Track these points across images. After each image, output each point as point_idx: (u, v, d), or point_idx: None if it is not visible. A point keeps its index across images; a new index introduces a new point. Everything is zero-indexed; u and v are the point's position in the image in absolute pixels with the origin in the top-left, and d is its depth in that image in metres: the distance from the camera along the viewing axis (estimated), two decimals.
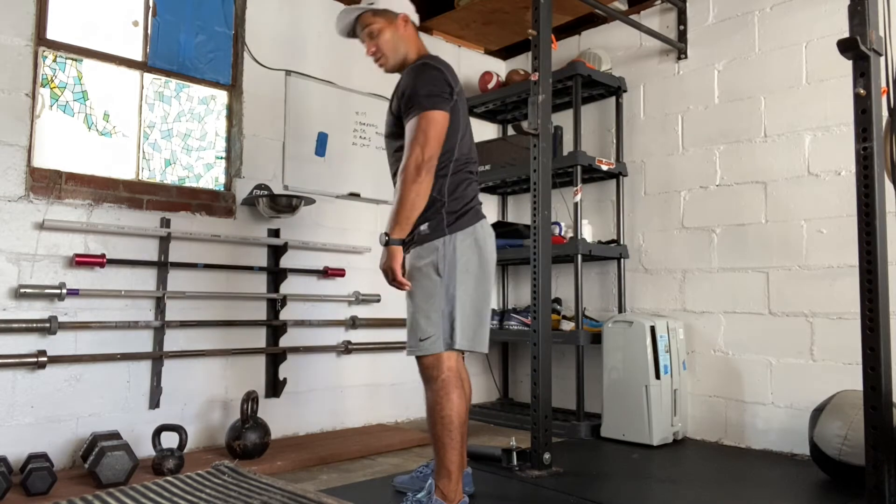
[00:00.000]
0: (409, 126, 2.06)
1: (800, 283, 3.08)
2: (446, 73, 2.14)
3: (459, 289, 2.08)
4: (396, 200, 2.04)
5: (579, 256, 3.50)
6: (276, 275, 3.27)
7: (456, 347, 2.08)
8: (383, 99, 3.82)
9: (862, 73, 2.09)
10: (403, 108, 2.10)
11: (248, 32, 3.32)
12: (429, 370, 2.09)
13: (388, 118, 2.26)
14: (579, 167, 3.53)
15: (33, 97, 2.69)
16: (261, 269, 3.24)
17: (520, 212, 4.40)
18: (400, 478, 2.49)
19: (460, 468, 2.09)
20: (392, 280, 2.07)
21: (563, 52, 3.99)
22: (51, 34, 2.77)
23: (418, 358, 2.11)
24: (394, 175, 2.25)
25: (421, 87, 2.07)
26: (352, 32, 2.31)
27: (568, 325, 3.62)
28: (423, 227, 2.11)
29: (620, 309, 3.70)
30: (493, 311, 4.08)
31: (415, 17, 2.32)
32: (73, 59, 2.84)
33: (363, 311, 3.62)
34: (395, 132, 2.20)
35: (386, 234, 2.05)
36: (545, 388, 2.70)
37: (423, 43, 2.31)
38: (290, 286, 3.31)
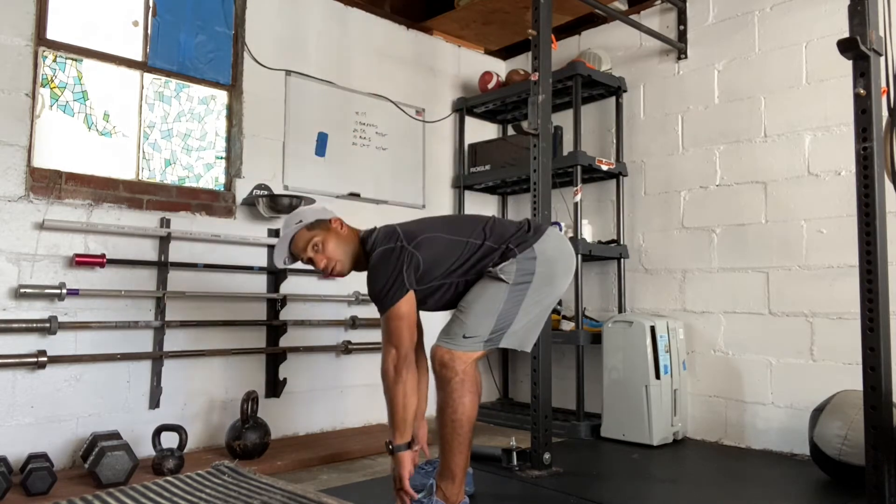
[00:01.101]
0: (382, 325, 2.11)
1: (800, 283, 3.08)
2: (394, 243, 2.09)
3: (530, 297, 2.07)
4: (388, 407, 2.08)
5: (579, 256, 3.50)
6: (276, 275, 3.27)
7: (501, 345, 2.08)
8: (383, 99, 3.82)
9: (862, 73, 2.10)
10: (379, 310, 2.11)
11: (248, 32, 3.32)
12: (444, 370, 2.05)
13: None
14: (579, 167, 3.53)
15: (33, 97, 2.69)
16: (261, 269, 3.24)
17: (520, 212, 4.39)
18: None
19: (464, 471, 2.09)
20: (399, 489, 2.06)
21: (563, 52, 3.98)
22: (51, 34, 2.77)
23: (434, 351, 2.08)
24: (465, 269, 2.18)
25: (376, 287, 2.07)
26: (293, 258, 2.26)
27: (568, 325, 3.62)
28: (500, 264, 2.08)
29: (620, 309, 3.70)
30: None
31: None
32: (73, 59, 2.84)
33: (363, 311, 3.62)
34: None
35: (389, 442, 2.08)
36: (545, 388, 2.70)
37: (356, 229, 2.28)
38: (290, 286, 3.31)
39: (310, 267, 3.37)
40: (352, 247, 2.24)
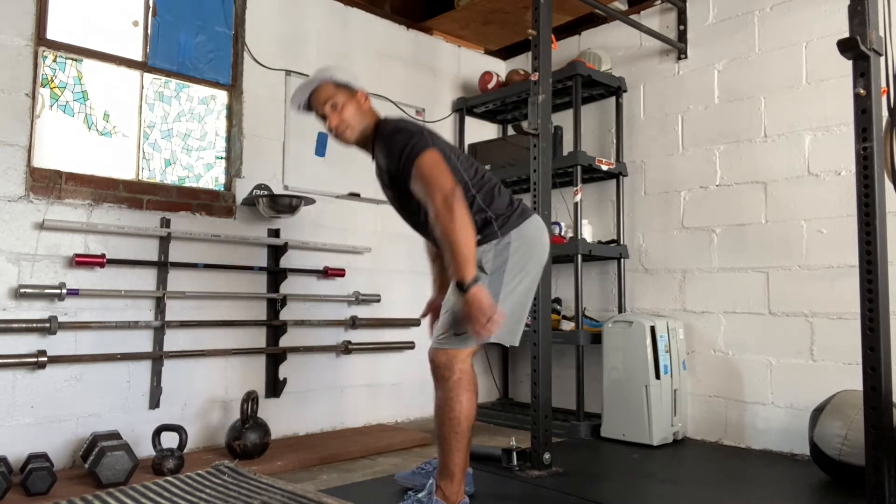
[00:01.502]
0: (415, 181, 2.04)
1: (800, 283, 3.08)
2: (410, 123, 2.15)
3: (507, 286, 2.08)
4: (450, 248, 1.96)
5: (579, 256, 3.50)
6: (276, 275, 3.27)
7: (491, 339, 2.06)
8: (383, 99, 3.82)
9: (862, 73, 2.10)
10: (399, 175, 2.09)
11: (248, 32, 3.32)
12: (441, 370, 2.05)
13: (389, 191, 2.28)
14: (579, 167, 3.53)
15: (33, 97, 2.69)
16: (261, 269, 3.24)
17: None
18: (401, 473, 2.50)
19: (463, 470, 2.08)
20: (488, 319, 1.93)
21: (563, 52, 3.98)
22: (51, 34, 2.77)
23: (432, 355, 2.08)
24: (419, 224, 2.23)
25: (401, 146, 2.06)
26: (308, 108, 2.26)
27: (568, 325, 3.62)
28: (478, 237, 2.09)
29: (620, 309, 3.70)
30: None
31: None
32: (73, 59, 2.84)
33: (363, 311, 3.62)
34: (402, 196, 2.19)
35: (459, 282, 1.95)
36: (545, 388, 2.70)
37: (377, 112, 2.30)
38: (290, 286, 3.31)
39: (309, 267, 3.40)
40: (367, 122, 2.22)
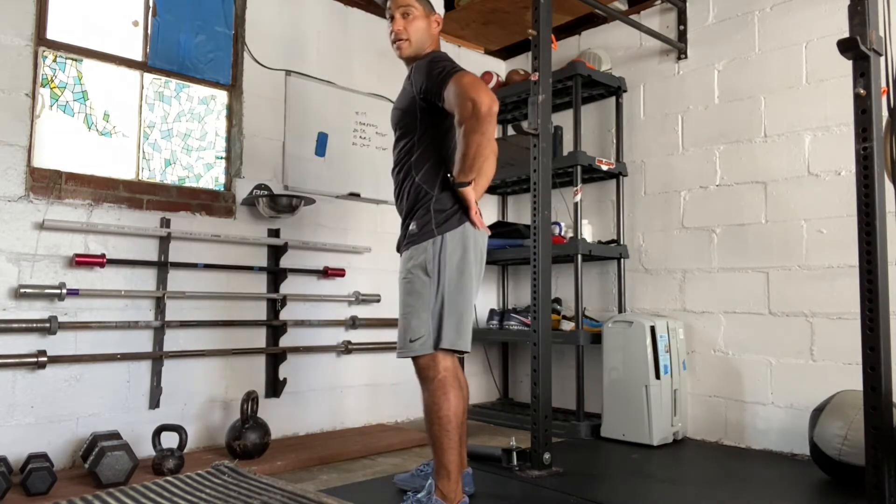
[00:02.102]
0: (450, 91, 2.02)
1: (800, 283, 3.08)
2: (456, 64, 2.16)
3: (448, 289, 2.08)
4: (469, 148, 1.99)
5: (579, 256, 3.50)
6: (276, 275, 3.27)
7: (442, 346, 2.07)
8: (383, 99, 3.82)
9: (862, 73, 2.09)
10: (431, 86, 2.07)
11: (248, 32, 3.32)
12: (425, 371, 2.08)
13: (397, 110, 2.25)
14: (579, 167, 3.53)
15: (33, 97, 2.69)
16: (261, 269, 3.24)
17: (520, 212, 4.40)
18: (400, 475, 2.50)
19: (459, 468, 2.09)
20: (476, 213, 2.11)
21: (563, 52, 3.99)
22: (51, 34, 2.77)
23: (414, 359, 2.11)
24: (395, 171, 2.26)
25: (441, 65, 2.07)
26: (385, 1, 2.27)
27: (568, 325, 3.62)
28: (413, 226, 2.13)
29: (620, 309, 3.70)
30: (493, 310, 4.09)
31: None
32: (73, 59, 2.84)
33: (363, 311, 3.62)
34: (402, 122, 2.21)
35: (453, 179, 2.08)
36: (545, 388, 2.70)
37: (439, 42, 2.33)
38: (290, 286, 3.31)
39: (309, 267, 3.40)
40: (427, 43, 2.24)
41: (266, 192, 3.20)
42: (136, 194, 2.90)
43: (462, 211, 2.14)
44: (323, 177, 3.55)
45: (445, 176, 2.15)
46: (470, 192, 2.07)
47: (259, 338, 3.24)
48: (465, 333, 2.12)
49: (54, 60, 2.79)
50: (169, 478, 2.43)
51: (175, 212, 3.00)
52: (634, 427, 3.21)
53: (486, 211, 4.33)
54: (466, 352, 2.16)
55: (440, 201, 2.12)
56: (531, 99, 2.75)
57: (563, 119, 3.92)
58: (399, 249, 2.19)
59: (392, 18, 2.22)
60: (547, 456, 2.68)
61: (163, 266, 2.91)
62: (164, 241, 2.92)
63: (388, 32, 2.24)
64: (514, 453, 2.74)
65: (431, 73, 2.08)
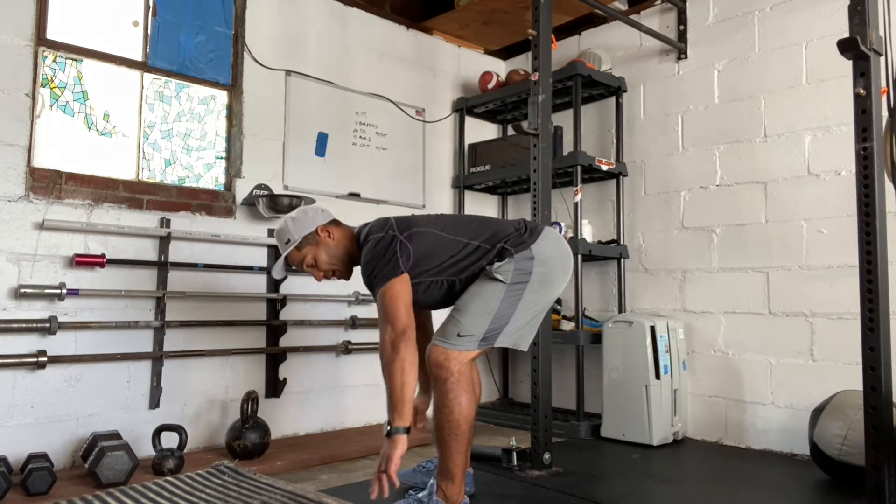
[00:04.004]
0: (377, 307, 2.04)
1: (800, 283, 3.07)
2: (386, 233, 2.08)
3: (527, 297, 2.06)
4: (387, 386, 1.97)
5: (579, 256, 3.50)
6: None
7: (497, 344, 2.06)
8: (383, 99, 3.82)
9: (862, 73, 2.09)
10: (373, 293, 2.09)
11: (248, 32, 3.32)
12: (439, 371, 2.03)
13: None
14: (579, 167, 3.53)
15: (33, 97, 2.69)
16: (261, 269, 3.24)
17: (520, 212, 4.39)
18: (402, 471, 2.49)
19: (464, 471, 2.09)
20: (382, 470, 1.91)
21: (563, 52, 3.98)
22: (51, 34, 2.77)
23: (430, 351, 2.06)
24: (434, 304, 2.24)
25: (368, 269, 2.06)
26: (290, 269, 2.30)
27: (568, 325, 3.62)
28: (496, 262, 2.07)
29: (620, 309, 3.70)
30: None
31: (326, 217, 2.24)
32: (73, 59, 2.84)
33: (363, 311, 3.62)
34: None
35: (388, 422, 1.96)
36: (545, 388, 2.70)
37: (347, 226, 2.28)
38: (290, 286, 3.31)
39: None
40: (344, 250, 2.22)
41: (266, 192, 3.20)
42: (136, 194, 2.90)
43: (524, 235, 2.11)
44: (323, 177, 3.55)
45: (483, 241, 2.11)
46: (401, 442, 1.92)
47: (259, 338, 3.24)
48: (528, 336, 2.14)
49: (54, 60, 2.79)
50: (169, 478, 2.43)
51: (175, 212, 3.00)
52: (634, 427, 3.21)
53: (487, 211, 4.33)
54: (524, 350, 2.18)
55: (499, 240, 2.09)
56: (531, 99, 2.75)
57: (563, 119, 3.92)
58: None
59: (312, 274, 2.25)
60: (547, 456, 2.68)
61: (163, 266, 2.91)
62: (164, 241, 2.92)
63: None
64: (514, 453, 2.74)
65: (365, 278, 2.08)
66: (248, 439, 2.74)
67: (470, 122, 4.28)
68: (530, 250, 2.08)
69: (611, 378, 3.33)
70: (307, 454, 2.86)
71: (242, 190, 3.23)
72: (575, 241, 3.50)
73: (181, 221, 3.01)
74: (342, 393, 3.53)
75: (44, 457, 2.41)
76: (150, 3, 3.05)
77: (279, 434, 3.17)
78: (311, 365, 3.41)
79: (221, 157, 3.28)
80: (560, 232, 3.68)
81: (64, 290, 2.61)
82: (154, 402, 2.86)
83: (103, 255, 2.73)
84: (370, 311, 3.66)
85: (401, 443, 1.92)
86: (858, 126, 2.11)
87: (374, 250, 2.06)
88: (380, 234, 2.09)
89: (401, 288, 2.01)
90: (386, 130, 3.83)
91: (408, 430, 1.95)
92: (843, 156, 2.96)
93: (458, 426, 2.02)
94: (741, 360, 3.26)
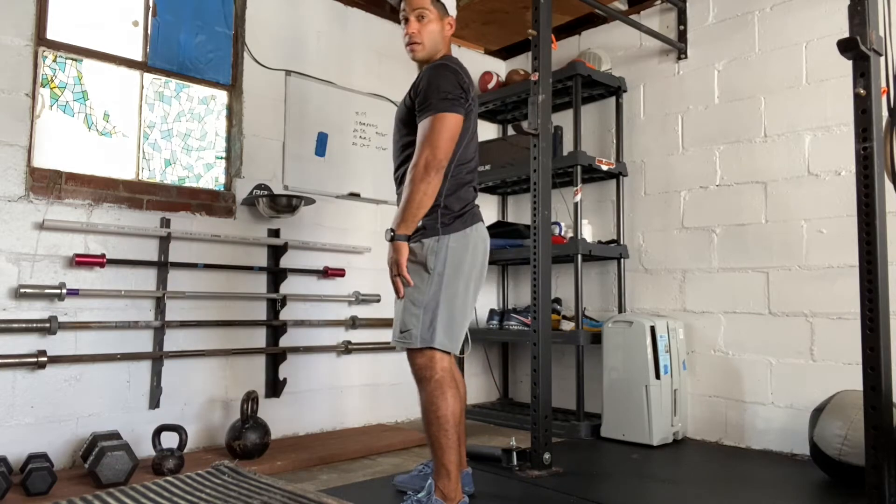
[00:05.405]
0: (423, 126, 2.07)
1: (800, 283, 3.08)
2: (464, 77, 2.17)
3: (446, 289, 2.10)
4: (404, 197, 2.04)
5: (579, 256, 3.50)
6: (276, 275, 3.27)
7: (434, 346, 2.07)
8: (383, 99, 3.82)
9: (862, 73, 2.09)
10: (418, 105, 2.12)
11: (248, 32, 3.32)
12: (422, 370, 2.09)
13: (401, 108, 2.26)
14: (579, 167, 3.53)
15: (33, 97, 2.69)
16: (261, 269, 3.24)
17: (520, 212, 4.39)
18: (400, 477, 2.49)
19: (458, 467, 2.09)
20: (396, 274, 2.06)
21: (563, 52, 3.99)
22: (51, 34, 2.77)
23: (411, 359, 2.12)
24: (397, 168, 2.27)
25: (439, 87, 2.08)
26: (400, 2, 2.27)
27: (568, 325, 3.62)
28: (420, 223, 2.12)
29: (620, 309, 3.70)
30: (493, 310, 4.09)
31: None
32: (73, 59, 2.84)
33: (363, 311, 3.62)
34: (406, 121, 2.22)
35: (391, 229, 2.05)
36: (545, 388, 2.70)
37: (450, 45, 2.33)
38: (290, 286, 3.31)
39: (309, 267, 3.40)
40: (439, 46, 2.25)
41: (266, 192, 3.20)
42: (136, 194, 2.90)
43: (467, 215, 2.16)
44: (323, 177, 3.54)
45: (452, 179, 2.15)
46: (404, 247, 2.04)
47: (259, 338, 3.24)
48: (455, 335, 2.13)
49: (54, 60, 2.79)
50: (169, 478, 2.43)
51: (175, 212, 3.00)
52: (634, 427, 3.21)
53: (487, 211, 4.30)
54: (460, 355, 2.18)
55: (448, 205, 2.14)
56: (531, 99, 2.75)
57: (563, 119, 3.92)
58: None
59: (406, 21, 2.22)
60: (547, 456, 2.68)
61: (163, 266, 2.91)
62: (164, 241, 2.92)
63: (402, 35, 2.24)
64: (514, 453, 2.74)
65: (428, 90, 2.09)
66: (248, 439, 2.74)
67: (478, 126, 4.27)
68: (450, 237, 2.11)
69: (611, 378, 3.33)
70: (307, 454, 2.86)
71: (242, 190, 3.23)
72: (575, 241, 3.50)
73: (181, 221, 3.01)
74: (342, 393, 3.53)
75: (44, 457, 2.41)
76: (150, 3, 3.05)
77: (279, 434, 3.17)
78: (311, 365, 3.41)
79: (221, 157, 3.28)
80: (560, 232, 3.68)
81: (64, 290, 2.61)
82: (154, 402, 2.86)
83: (103, 255, 2.73)
84: (370, 311, 3.66)
85: (404, 248, 2.05)
86: (858, 126, 2.11)
87: (454, 73, 2.12)
88: (461, 72, 2.16)
89: (456, 124, 2.07)
90: (386, 130, 3.83)
91: (408, 240, 2.06)
92: (843, 156, 2.96)
93: (446, 422, 2.05)
94: (741, 360, 3.26)
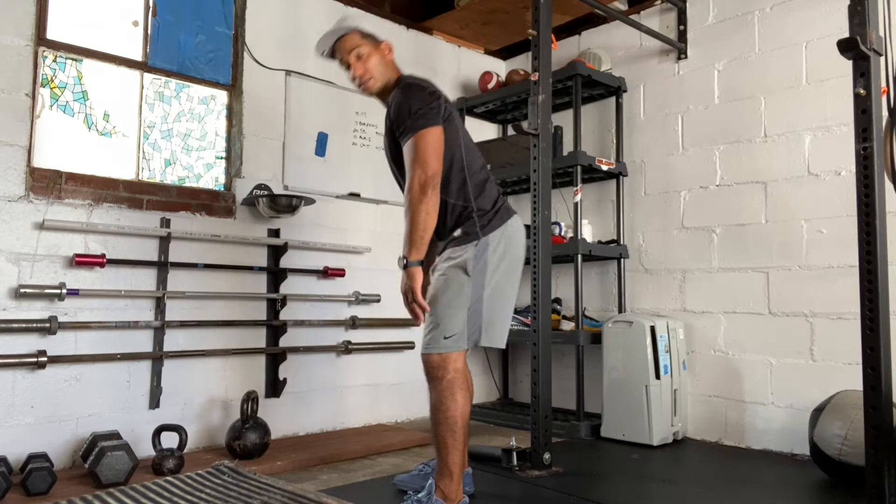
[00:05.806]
0: (407, 149, 2.08)
1: (800, 283, 3.07)
2: (428, 86, 2.17)
3: (487, 288, 2.11)
4: (408, 222, 2.05)
5: (579, 256, 3.50)
6: (276, 275, 3.27)
7: (481, 344, 2.11)
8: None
9: (862, 73, 2.09)
10: (398, 131, 2.12)
11: (248, 32, 3.32)
12: (435, 370, 2.08)
13: (388, 143, 2.28)
14: (579, 167, 3.53)
15: (33, 97, 2.69)
16: (261, 269, 3.24)
17: (520, 212, 4.35)
18: (400, 476, 2.49)
19: (462, 469, 2.09)
20: (412, 301, 2.06)
21: (563, 52, 3.98)
22: (51, 34, 2.77)
23: (425, 357, 2.10)
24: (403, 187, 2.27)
25: (410, 108, 2.08)
26: (332, 54, 2.30)
27: (568, 325, 3.62)
28: (457, 231, 2.16)
29: (620, 309, 3.70)
30: None
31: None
32: (73, 59, 2.84)
33: (363, 311, 3.62)
34: (396, 156, 2.23)
35: (404, 257, 2.06)
36: (545, 388, 2.70)
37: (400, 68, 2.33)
38: (290, 286, 3.31)
39: (309, 267, 3.40)
40: (389, 73, 2.27)
41: (266, 192, 3.20)
42: (136, 194, 2.90)
43: (501, 210, 2.21)
44: (323, 177, 3.55)
45: (472, 179, 2.18)
46: (418, 273, 2.05)
47: (259, 338, 3.24)
48: (502, 331, 2.19)
49: (54, 60, 2.79)
50: (169, 478, 2.43)
51: (175, 212, 3.00)
52: (634, 427, 3.21)
53: None
54: (502, 347, 2.23)
55: (480, 206, 2.17)
56: (531, 99, 2.75)
57: (563, 119, 3.92)
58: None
59: (348, 66, 2.25)
60: (547, 456, 2.68)
61: (163, 266, 2.91)
62: (164, 241, 2.92)
63: (349, 79, 2.27)
64: (514, 453, 2.74)
65: (400, 114, 2.10)
66: (248, 439, 2.74)
67: (470, 122, 4.28)
68: (489, 237, 2.13)
69: (611, 378, 3.33)
70: (307, 454, 2.86)
71: (242, 190, 3.23)
72: (575, 241, 3.50)
73: (181, 221, 3.01)
74: (342, 393, 3.53)
75: (44, 457, 2.41)
76: (150, 3, 3.05)
77: (279, 434, 3.17)
78: (311, 365, 3.41)
79: (221, 157, 3.28)
80: (560, 232, 3.68)
81: (64, 290, 2.61)
82: (154, 402, 2.86)
83: (103, 255, 2.73)
84: (370, 311, 3.66)
85: (419, 274, 2.05)
86: (858, 126, 2.11)
87: (419, 91, 2.12)
88: (426, 85, 2.15)
89: (437, 137, 2.07)
90: None
91: (422, 264, 2.06)
92: (843, 156, 2.96)
93: (454, 423, 2.05)
94: (741, 360, 3.26)
